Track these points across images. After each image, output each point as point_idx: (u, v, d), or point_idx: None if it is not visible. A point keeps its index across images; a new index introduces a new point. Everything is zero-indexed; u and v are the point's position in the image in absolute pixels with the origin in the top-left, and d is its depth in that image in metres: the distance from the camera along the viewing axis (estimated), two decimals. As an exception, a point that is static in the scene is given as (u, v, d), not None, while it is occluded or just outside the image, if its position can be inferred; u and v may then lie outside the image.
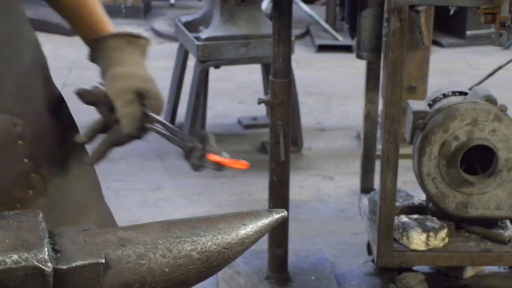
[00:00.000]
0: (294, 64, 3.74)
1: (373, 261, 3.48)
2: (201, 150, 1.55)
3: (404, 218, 3.33)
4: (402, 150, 3.25)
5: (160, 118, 1.63)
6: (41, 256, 1.16)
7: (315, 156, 5.02)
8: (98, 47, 1.72)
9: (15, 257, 1.15)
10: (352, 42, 6.31)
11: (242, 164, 1.51)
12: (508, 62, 3.82)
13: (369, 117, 3.68)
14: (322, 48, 7.23)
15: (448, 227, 3.29)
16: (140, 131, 1.63)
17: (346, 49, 7.01)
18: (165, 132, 1.62)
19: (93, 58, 1.74)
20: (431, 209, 3.39)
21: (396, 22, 3.00)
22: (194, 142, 1.56)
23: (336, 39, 7.36)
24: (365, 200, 3.65)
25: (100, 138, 1.67)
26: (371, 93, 3.67)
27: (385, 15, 3.16)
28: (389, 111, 3.09)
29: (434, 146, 3.25)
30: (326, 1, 7.83)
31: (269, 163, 3.36)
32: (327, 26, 7.50)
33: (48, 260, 1.17)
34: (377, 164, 3.43)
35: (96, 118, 1.67)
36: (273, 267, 3.51)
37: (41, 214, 1.28)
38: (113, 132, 1.66)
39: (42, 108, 1.59)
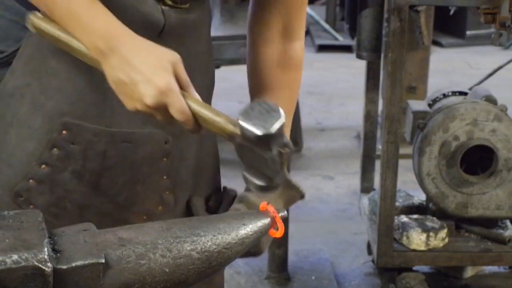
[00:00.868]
0: (294, 64, 3.73)
1: (373, 261, 3.48)
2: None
3: (404, 218, 3.33)
4: (402, 150, 3.25)
5: None
6: (41, 256, 1.16)
7: (315, 156, 5.02)
8: None
9: (15, 257, 1.15)
10: (352, 42, 6.32)
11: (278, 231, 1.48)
12: (508, 62, 3.82)
13: (369, 117, 3.68)
14: (322, 48, 7.23)
15: (448, 227, 3.29)
16: None
17: (346, 49, 7.01)
18: None
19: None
20: (431, 209, 3.39)
21: (396, 22, 3.00)
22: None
23: (336, 39, 7.36)
24: (365, 200, 3.65)
25: None
26: (371, 93, 3.67)
27: (385, 15, 3.16)
28: (389, 111, 3.09)
29: (434, 146, 3.25)
30: (326, 1, 7.83)
31: (269, 163, 3.35)
32: (327, 26, 7.51)
33: (48, 260, 1.17)
34: (377, 164, 3.44)
35: None
36: (273, 267, 3.51)
37: (41, 214, 1.28)
38: None
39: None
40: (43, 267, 1.16)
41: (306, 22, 1.80)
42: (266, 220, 1.44)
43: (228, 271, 3.47)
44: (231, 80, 6.21)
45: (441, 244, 3.26)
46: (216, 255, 1.35)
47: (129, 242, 1.29)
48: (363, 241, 3.78)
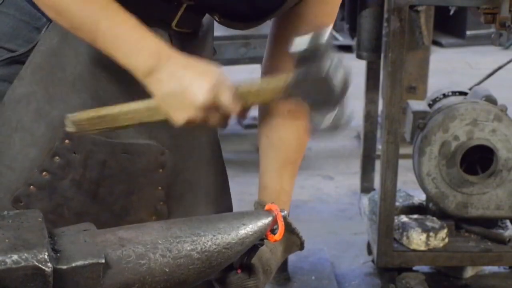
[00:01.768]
0: (294, 64, 3.72)
1: (373, 261, 3.48)
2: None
3: (404, 218, 3.33)
4: (402, 150, 3.25)
5: None
6: (41, 256, 1.16)
7: (315, 156, 5.02)
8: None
9: (15, 257, 1.15)
10: (352, 42, 6.31)
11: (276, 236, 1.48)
12: (508, 62, 3.82)
13: (369, 117, 3.68)
14: (322, 48, 7.20)
15: (448, 227, 3.29)
16: None
17: (346, 49, 7.01)
18: None
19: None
20: (431, 209, 3.39)
21: (396, 22, 3.00)
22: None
23: (336, 39, 7.36)
24: (365, 200, 3.65)
25: None
26: (371, 93, 3.67)
27: (385, 15, 3.16)
28: (389, 111, 3.09)
29: (434, 146, 3.25)
30: (326, 1, 7.82)
31: (269, 163, 3.35)
32: (327, 26, 7.48)
33: (48, 260, 1.17)
34: (377, 164, 3.43)
35: None
36: (273, 267, 3.51)
37: (41, 214, 1.28)
38: None
39: (187, 143, 1.65)
40: (43, 267, 1.16)
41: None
42: (266, 220, 1.44)
43: (228, 271, 3.46)
44: (231, 80, 6.19)
45: (441, 244, 3.26)
46: (216, 255, 1.35)
47: (129, 242, 1.29)
48: (363, 241, 3.78)
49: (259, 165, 1.71)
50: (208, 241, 1.34)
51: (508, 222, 3.40)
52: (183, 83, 1.39)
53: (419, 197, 3.53)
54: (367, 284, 3.57)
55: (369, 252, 3.63)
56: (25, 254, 1.16)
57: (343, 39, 7.24)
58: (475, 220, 3.33)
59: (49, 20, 1.53)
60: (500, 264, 3.46)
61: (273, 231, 1.48)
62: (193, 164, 1.68)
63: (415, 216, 3.36)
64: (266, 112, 1.71)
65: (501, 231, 3.34)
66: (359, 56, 3.43)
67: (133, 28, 1.42)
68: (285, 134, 1.50)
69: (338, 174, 4.80)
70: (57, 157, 1.54)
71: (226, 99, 1.39)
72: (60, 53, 1.53)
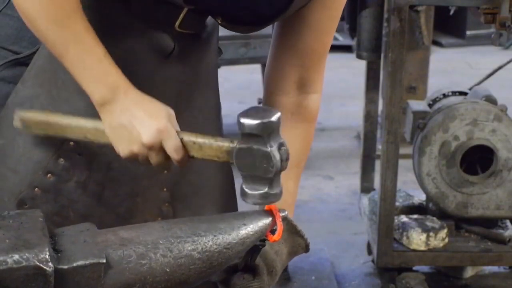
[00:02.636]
0: (294, 64, 3.72)
1: (373, 261, 3.48)
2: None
3: (404, 218, 3.33)
4: (402, 150, 3.25)
5: None
6: (42, 256, 1.17)
7: (315, 156, 5.02)
8: None
9: (16, 257, 1.16)
10: (352, 42, 6.31)
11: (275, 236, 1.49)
12: (508, 62, 3.82)
13: (369, 117, 3.68)
14: (322, 48, 7.20)
15: (448, 227, 3.29)
16: None
17: (346, 49, 7.01)
18: None
19: None
20: (431, 209, 3.39)
21: (396, 22, 3.00)
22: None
23: (336, 39, 7.35)
24: (365, 200, 3.65)
25: None
26: (371, 93, 3.67)
27: (385, 15, 3.16)
28: (389, 111, 3.09)
29: (434, 146, 3.25)
30: (326, 1, 7.81)
31: (269, 163, 3.35)
32: (327, 26, 7.48)
33: (49, 260, 1.17)
34: (377, 164, 3.43)
35: None
36: (273, 267, 3.51)
37: (41, 214, 1.28)
38: None
39: None
40: (44, 267, 1.16)
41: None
42: (267, 220, 1.44)
43: (228, 271, 3.46)
44: (231, 80, 6.21)
45: (441, 244, 3.26)
46: (217, 255, 1.35)
47: (130, 242, 1.29)
48: (363, 241, 3.78)
49: None
50: (209, 241, 1.34)
51: (508, 222, 3.40)
52: (132, 119, 1.43)
53: (419, 197, 3.53)
54: (367, 284, 3.57)
55: (369, 252, 3.63)
56: (26, 254, 1.16)
57: (343, 39, 7.24)
58: (475, 220, 3.33)
59: None
60: (500, 264, 3.46)
61: (273, 232, 1.48)
62: (199, 165, 1.67)
63: (415, 216, 3.36)
64: None
65: (501, 231, 3.34)
66: (359, 56, 3.43)
67: (99, 60, 1.44)
68: (289, 137, 1.51)
69: (338, 174, 4.80)
70: (61, 159, 1.54)
71: (170, 145, 1.43)
72: None
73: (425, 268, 3.50)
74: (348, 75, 6.46)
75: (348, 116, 5.67)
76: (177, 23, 1.57)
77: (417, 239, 3.23)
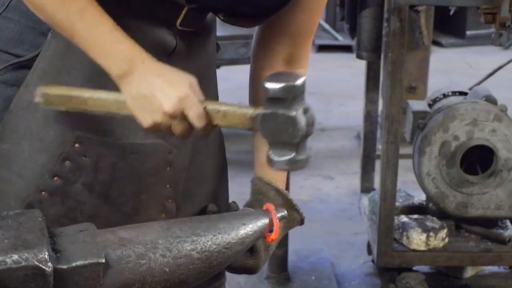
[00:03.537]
0: (294, 64, 3.73)
1: (373, 261, 3.48)
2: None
3: (404, 218, 3.33)
4: (402, 150, 3.24)
5: None
6: (41, 256, 1.16)
7: (315, 156, 5.02)
8: (254, 184, 1.73)
9: (15, 257, 1.16)
10: (352, 42, 6.31)
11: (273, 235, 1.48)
12: (508, 62, 3.82)
13: (369, 117, 3.68)
14: (322, 48, 7.22)
15: (448, 227, 3.29)
16: None
17: (346, 49, 7.02)
18: None
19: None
20: (431, 209, 3.39)
21: (396, 22, 3.00)
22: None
23: (336, 39, 7.36)
24: (365, 200, 3.65)
25: None
26: (371, 93, 3.67)
27: (385, 15, 3.16)
28: (389, 111, 3.09)
29: (434, 146, 3.25)
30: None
31: (269, 163, 3.35)
32: (327, 26, 7.50)
33: (48, 260, 1.17)
34: (377, 164, 3.43)
35: None
36: (273, 267, 3.51)
37: (41, 214, 1.28)
38: None
39: (194, 139, 1.65)
40: (44, 267, 1.16)
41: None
42: (266, 220, 1.44)
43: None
44: (231, 80, 6.20)
45: (441, 244, 3.26)
46: (216, 255, 1.35)
47: (129, 242, 1.29)
48: (363, 241, 3.78)
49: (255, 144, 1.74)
50: (208, 241, 1.34)
51: (508, 222, 3.40)
52: (152, 88, 1.42)
53: (419, 197, 3.53)
54: (367, 284, 3.57)
55: (369, 252, 3.63)
56: (26, 254, 1.16)
57: (343, 39, 7.25)
58: (475, 220, 3.33)
59: None
60: (500, 264, 3.45)
61: (271, 231, 1.49)
62: (199, 160, 1.69)
63: (415, 216, 3.36)
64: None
65: (501, 231, 3.34)
66: (359, 56, 3.43)
67: (109, 31, 1.44)
68: None
69: (338, 174, 4.80)
70: (67, 162, 1.55)
71: (192, 113, 1.42)
72: (65, 58, 1.54)
73: (425, 268, 3.50)
74: (348, 75, 6.46)
75: (348, 116, 5.67)
76: (178, 21, 1.57)
77: (417, 239, 3.23)
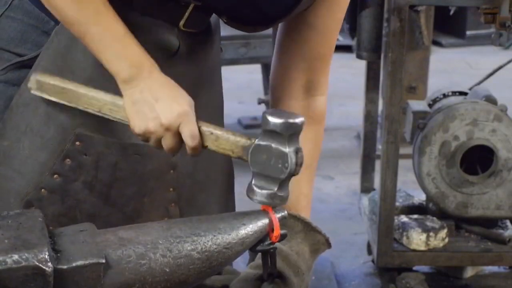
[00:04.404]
0: (294, 64, 3.73)
1: (373, 261, 3.48)
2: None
3: (404, 218, 3.33)
4: (402, 150, 3.24)
5: None
6: (41, 256, 1.16)
7: (315, 156, 5.01)
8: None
9: (15, 257, 1.15)
10: (352, 42, 6.31)
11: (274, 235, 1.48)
12: (508, 62, 3.82)
13: (369, 117, 3.68)
14: (322, 48, 7.18)
15: (448, 227, 3.29)
16: None
17: (346, 49, 7.01)
18: None
19: None
20: (431, 209, 3.39)
21: (396, 22, 3.00)
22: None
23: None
24: (365, 200, 3.65)
25: None
26: (371, 93, 3.67)
27: (385, 15, 3.16)
28: (389, 111, 3.09)
29: (434, 146, 3.25)
30: (326, 1, 7.81)
31: (269, 163, 3.35)
32: (327, 26, 7.47)
33: (48, 260, 1.17)
34: (377, 164, 3.43)
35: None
36: (273, 267, 3.51)
37: (41, 214, 1.28)
38: None
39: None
40: (44, 267, 1.16)
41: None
42: (266, 220, 1.44)
43: (228, 271, 3.46)
44: (231, 80, 6.21)
45: (441, 244, 3.26)
46: (217, 255, 1.35)
47: (129, 242, 1.29)
48: (363, 241, 3.78)
49: None
50: (208, 241, 1.34)
51: (508, 222, 3.40)
52: (155, 98, 1.43)
53: (419, 197, 3.53)
54: (367, 284, 3.57)
55: (369, 252, 3.63)
56: (26, 254, 1.16)
57: (343, 39, 7.24)
58: (475, 220, 3.33)
59: (57, 24, 1.53)
60: (500, 264, 3.46)
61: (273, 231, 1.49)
62: (204, 164, 1.68)
63: (415, 216, 3.36)
64: None
65: (501, 231, 3.34)
66: (359, 56, 3.43)
67: (122, 36, 1.45)
68: (300, 139, 1.51)
69: (338, 174, 4.80)
70: (68, 160, 1.54)
71: (187, 130, 1.43)
72: (68, 56, 1.53)
73: (425, 268, 3.50)
74: (348, 75, 6.46)
75: (348, 116, 5.67)
76: (182, 22, 1.57)
77: (417, 239, 3.23)
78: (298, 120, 1.42)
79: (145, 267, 1.27)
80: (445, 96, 3.49)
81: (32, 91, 1.52)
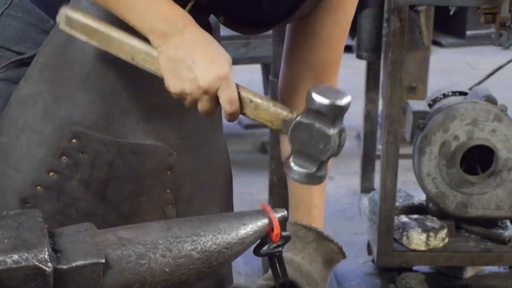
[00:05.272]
0: (294, 64, 3.72)
1: (373, 261, 3.48)
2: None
3: (404, 218, 3.33)
4: (402, 150, 3.24)
5: None
6: (41, 256, 1.16)
7: (315, 156, 5.00)
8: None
9: (15, 257, 1.16)
10: (352, 42, 6.31)
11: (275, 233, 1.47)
12: (508, 62, 3.82)
13: (369, 117, 3.68)
14: (322, 48, 7.19)
15: (448, 227, 3.29)
16: None
17: (346, 49, 6.99)
18: None
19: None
20: (431, 209, 3.39)
21: (396, 22, 3.00)
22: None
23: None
24: (365, 200, 3.65)
25: None
26: (371, 93, 3.67)
27: (385, 15, 3.16)
28: (389, 111, 3.09)
29: (434, 146, 3.25)
30: (326, 1, 7.81)
31: (269, 163, 3.36)
32: (327, 26, 7.47)
33: (48, 260, 1.17)
34: (377, 164, 3.43)
35: None
36: (273, 267, 3.51)
37: (41, 214, 1.28)
38: None
39: (196, 144, 1.64)
40: (44, 267, 1.16)
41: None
42: (266, 220, 1.44)
43: (228, 271, 3.46)
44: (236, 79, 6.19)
45: (441, 244, 3.26)
46: (216, 255, 1.35)
47: (129, 242, 1.29)
48: (363, 241, 3.77)
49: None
50: (208, 241, 1.34)
51: (508, 222, 3.40)
52: (193, 58, 1.37)
53: (419, 197, 3.53)
54: (367, 284, 3.57)
55: (369, 252, 3.63)
56: (26, 254, 1.16)
57: (343, 39, 7.23)
58: (475, 220, 3.33)
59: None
60: (500, 264, 3.46)
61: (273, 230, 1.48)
62: (202, 166, 1.67)
63: (415, 216, 3.36)
64: None
65: (501, 231, 3.34)
66: (359, 56, 3.43)
67: None
68: None
69: (338, 174, 4.79)
70: (64, 157, 1.53)
71: (226, 95, 1.38)
72: (67, 53, 1.52)
73: (425, 268, 3.49)
74: (348, 75, 6.43)
75: (348, 116, 5.61)
76: None
77: (417, 239, 3.23)
78: (345, 101, 1.37)
79: (145, 267, 1.27)
80: (445, 96, 3.49)
81: (61, 26, 1.43)
